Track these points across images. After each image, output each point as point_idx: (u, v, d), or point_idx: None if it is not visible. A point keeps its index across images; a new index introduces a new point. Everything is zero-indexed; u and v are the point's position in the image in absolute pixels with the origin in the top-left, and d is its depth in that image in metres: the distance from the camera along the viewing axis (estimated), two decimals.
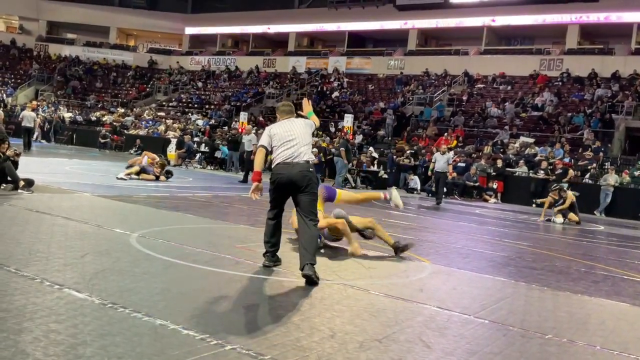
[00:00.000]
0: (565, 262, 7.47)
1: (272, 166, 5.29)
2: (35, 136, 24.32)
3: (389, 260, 6.27)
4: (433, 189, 18.39)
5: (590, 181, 18.82)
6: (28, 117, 20.53)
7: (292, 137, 5.28)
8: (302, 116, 5.79)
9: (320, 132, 25.70)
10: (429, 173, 15.80)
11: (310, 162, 5.29)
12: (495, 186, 19.35)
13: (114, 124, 29.53)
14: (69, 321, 3.21)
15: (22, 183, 8.56)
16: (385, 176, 20.70)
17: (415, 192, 19.41)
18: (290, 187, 5.13)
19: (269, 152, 5.33)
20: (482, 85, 29.56)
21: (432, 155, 16.45)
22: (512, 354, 3.49)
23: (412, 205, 14.79)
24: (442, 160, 15.23)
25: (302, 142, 5.27)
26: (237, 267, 5.13)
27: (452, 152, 16.16)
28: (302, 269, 4.74)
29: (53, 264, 4.47)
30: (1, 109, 26.09)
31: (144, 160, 13.46)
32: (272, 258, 5.25)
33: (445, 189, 19.17)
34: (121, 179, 12.46)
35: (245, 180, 15.44)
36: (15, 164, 8.79)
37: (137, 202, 9.12)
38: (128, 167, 13.38)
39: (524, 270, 6.59)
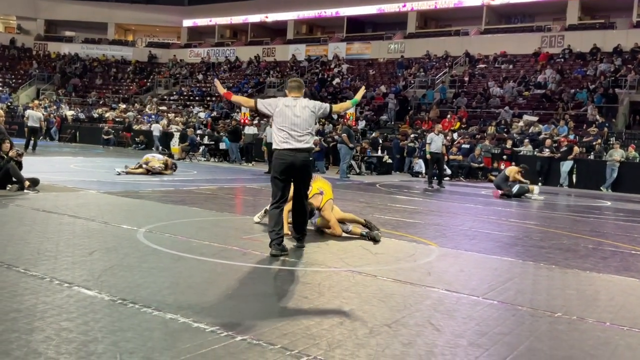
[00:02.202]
0: (573, 240, 7.46)
1: (275, 149, 5.42)
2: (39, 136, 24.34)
3: (396, 246, 6.27)
4: (425, 171, 18.34)
5: (597, 157, 18.71)
6: (34, 117, 20.47)
7: (298, 122, 5.41)
8: (314, 98, 5.96)
9: (323, 120, 25.67)
10: (427, 156, 15.69)
11: (311, 150, 5.43)
12: (503, 167, 19.22)
13: (125, 120, 29.34)
14: (80, 319, 3.23)
15: (27, 183, 8.59)
16: (390, 161, 20.67)
17: (420, 175, 19.38)
18: (293, 174, 5.42)
19: (255, 110, 5.70)
20: (483, 66, 29.38)
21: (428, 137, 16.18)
22: (522, 334, 3.50)
23: (417, 189, 14.77)
24: (439, 141, 15.09)
25: (307, 128, 5.43)
26: (244, 258, 5.14)
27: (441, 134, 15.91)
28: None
29: (62, 262, 4.49)
30: (1, 109, 26.09)
31: (154, 163, 13.50)
32: (279, 247, 5.27)
33: (450, 171, 19.14)
34: (119, 173, 12.55)
35: (269, 172, 15.55)
36: (19, 165, 8.81)
37: (143, 197, 9.14)
38: (137, 165, 13.40)
39: (531, 249, 6.59)
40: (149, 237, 5.73)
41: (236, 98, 5.92)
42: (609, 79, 23.72)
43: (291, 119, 5.42)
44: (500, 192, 13.42)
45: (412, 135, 21.85)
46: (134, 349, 2.85)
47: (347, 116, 22.77)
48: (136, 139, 26.47)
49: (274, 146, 5.49)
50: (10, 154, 8.63)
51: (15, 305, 3.40)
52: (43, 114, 30.30)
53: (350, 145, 16.89)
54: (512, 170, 13.68)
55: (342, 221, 6.62)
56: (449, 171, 19.33)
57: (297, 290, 4.16)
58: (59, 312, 3.33)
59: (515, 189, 13.28)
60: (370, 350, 3.04)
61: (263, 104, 5.57)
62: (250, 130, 22.17)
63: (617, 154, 17.61)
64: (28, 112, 21.54)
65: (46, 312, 3.31)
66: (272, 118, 5.55)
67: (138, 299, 3.66)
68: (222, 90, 5.99)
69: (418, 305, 3.99)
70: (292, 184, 5.52)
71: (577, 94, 23.53)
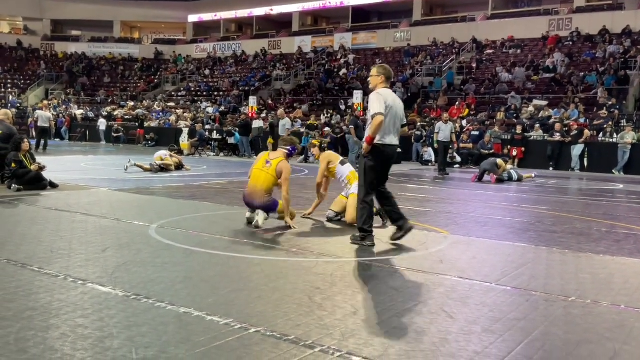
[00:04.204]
0: (586, 224, 7.41)
1: (379, 143, 5.34)
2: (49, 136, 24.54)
3: (408, 235, 6.25)
4: (434, 160, 18.32)
5: (608, 139, 18.53)
6: (43, 117, 20.61)
7: (400, 114, 5.51)
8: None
9: (331, 111, 25.63)
10: (435, 145, 15.63)
11: None
12: (515, 153, 19.10)
13: (138, 117, 29.55)
14: (95, 315, 3.26)
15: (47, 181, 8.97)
16: (399, 150, 20.62)
17: (430, 164, 19.31)
18: (389, 165, 5.64)
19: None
20: (491, 51, 29.16)
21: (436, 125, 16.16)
22: (536, 319, 3.48)
23: (427, 177, 14.73)
24: (447, 130, 15.05)
25: (402, 120, 5.58)
26: (256, 251, 5.16)
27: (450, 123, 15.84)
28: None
29: (75, 260, 4.53)
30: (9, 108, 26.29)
31: (161, 154, 13.53)
32: (373, 239, 5.45)
33: (460, 158, 19.06)
34: (127, 168, 12.60)
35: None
36: (40, 176, 9.00)
37: (154, 193, 9.19)
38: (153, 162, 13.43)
39: (544, 234, 6.56)
40: (161, 232, 5.76)
41: (373, 129, 5.30)
42: (618, 60, 23.46)
43: (397, 113, 5.45)
44: (495, 177, 13.44)
45: (419, 124, 21.76)
46: (150, 343, 2.87)
47: (355, 107, 22.71)
48: (147, 135, 26.58)
49: (378, 140, 5.32)
50: (33, 167, 8.79)
51: (31, 303, 3.44)
52: (52, 114, 30.64)
53: (356, 138, 16.88)
54: (502, 163, 13.76)
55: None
56: (459, 159, 19.23)
57: (309, 281, 4.17)
58: (74, 309, 3.36)
59: (514, 175, 13.72)
60: (384, 339, 3.04)
61: (384, 108, 5.29)
62: (257, 123, 22.20)
63: (628, 136, 17.44)
64: (37, 112, 21.71)
65: (61, 309, 3.34)
66: (385, 109, 5.31)
67: (152, 294, 3.68)
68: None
69: (431, 293, 3.99)
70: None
71: (586, 76, 23.32)
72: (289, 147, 6.66)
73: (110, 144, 26.60)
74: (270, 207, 6.34)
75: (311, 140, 7.61)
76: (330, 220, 6.89)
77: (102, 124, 28.09)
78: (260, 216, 6.18)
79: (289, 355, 2.79)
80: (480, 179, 13.43)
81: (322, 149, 7.48)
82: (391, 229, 5.86)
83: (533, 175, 15.05)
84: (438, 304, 3.74)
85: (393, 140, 5.47)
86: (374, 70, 5.63)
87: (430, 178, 14.49)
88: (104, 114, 30.56)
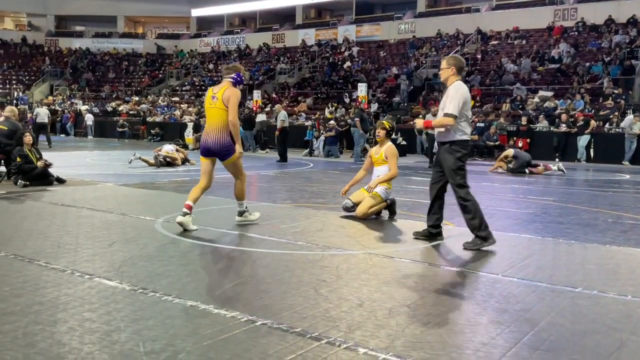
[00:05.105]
0: (592, 214, 7.39)
1: (467, 137, 5.18)
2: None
3: (413, 227, 6.25)
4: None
5: (615, 129, 18.40)
6: (41, 114, 20.76)
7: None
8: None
9: (336, 104, 25.58)
10: (424, 136, 15.57)
11: None
12: (520, 145, 18.98)
13: (131, 112, 29.72)
14: (102, 309, 3.28)
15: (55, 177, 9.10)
16: (404, 143, 20.55)
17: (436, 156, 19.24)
18: None
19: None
20: (496, 42, 28.98)
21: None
22: (543, 310, 3.48)
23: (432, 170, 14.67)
24: None
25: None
26: (262, 244, 5.17)
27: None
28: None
29: (82, 254, 4.55)
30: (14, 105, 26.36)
31: (167, 149, 13.55)
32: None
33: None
34: (131, 161, 12.63)
35: (283, 159, 15.78)
36: (47, 173, 9.03)
37: (159, 188, 9.21)
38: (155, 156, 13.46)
39: (550, 225, 6.54)
40: (167, 226, 5.77)
41: (438, 124, 5.23)
42: (624, 50, 23.28)
43: (469, 106, 5.27)
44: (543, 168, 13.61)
45: (420, 116, 21.67)
46: (157, 336, 2.88)
47: (360, 99, 22.66)
48: (152, 130, 26.62)
49: (464, 135, 5.15)
50: (39, 164, 8.82)
51: (38, 298, 3.46)
52: (58, 110, 30.79)
53: (361, 131, 16.84)
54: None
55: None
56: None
57: (315, 274, 4.17)
58: (81, 303, 3.37)
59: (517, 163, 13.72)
60: (390, 331, 3.05)
61: (457, 114, 5.07)
62: (260, 117, 22.18)
63: (636, 127, 17.31)
64: (37, 110, 21.96)
65: (68, 303, 3.36)
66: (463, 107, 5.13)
67: (159, 288, 3.69)
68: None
69: (437, 284, 3.99)
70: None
71: (592, 67, 23.16)
72: (233, 75, 5.99)
73: (115, 139, 26.65)
74: (225, 152, 5.83)
75: (381, 121, 7.00)
76: (346, 209, 6.83)
77: (89, 119, 28.65)
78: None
79: (296, 347, 2.80)
80: (524, 172, 13.46)
81: (389, 135, 6.93)
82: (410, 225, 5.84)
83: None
84: (443, 295, 3.74)
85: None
86: (443, 63, 5.35)
87: None
88: (92, 109, 30.94)
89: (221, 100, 5.77)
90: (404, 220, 6.53)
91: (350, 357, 2.71)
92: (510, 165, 13.76)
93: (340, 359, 2.68)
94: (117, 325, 3.02)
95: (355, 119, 17.28)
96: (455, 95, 5.09)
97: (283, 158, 15.93)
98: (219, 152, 5.83)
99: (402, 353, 2.76)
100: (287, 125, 16.90)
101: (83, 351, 2.69)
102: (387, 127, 6.88)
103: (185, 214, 5.58)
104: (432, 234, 5.44)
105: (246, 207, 6.16)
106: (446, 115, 5.09)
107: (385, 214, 6.78)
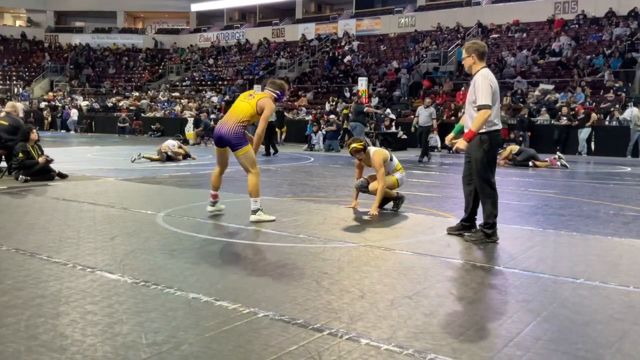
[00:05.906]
0: (594, 206, 7.38)
1: (492, 130, 4.93)
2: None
3: (415, 219, 6.26)
4: (439, 146, 18.35)
5: (616, 122, 18.36)
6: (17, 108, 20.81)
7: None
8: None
9: (336, 98, 25.54)
10: (412, 129, 15.52)
11: None
12: (521, 138, 18.92)
13: (131, 108, 29.74)
14: (104, 301, 3.28)
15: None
16: (405, 137, 20.53)
17: (435, 149, 19.23)
18: None
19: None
20: (496, 35, 28.90)
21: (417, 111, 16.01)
22: (545, 300, 3.48)
23: (433, 162, 14.69)
24: (424, 114, 14.92)
25: None
26: (263, 237, 5.17)
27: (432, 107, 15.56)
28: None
29: (84, 248, 4.55)
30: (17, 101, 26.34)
31: (169, 145, 13.54)
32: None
33: (439, 144, 18.97)
34: (134, 159, 12.60)
35: (269, 153, 15.72)
36: (48, 168, 9.03)
37: (161, 182, 9.21)
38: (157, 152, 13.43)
39: (551, 217, 6.54)
40: (168, 220, 5.78)
41: (478, 125, 4.86)
42: (625, 43, 23.22)
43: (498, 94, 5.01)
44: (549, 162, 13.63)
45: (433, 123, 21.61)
46: (159, 328, 2.89)
47: (360, 94, 22.61)
48: (152, 126, 26.59)
49: (494, 127, 4.94)
50: (40, 160, 8.84)
51: (40, 291, 3.46)
52: (58, 106, 30.78)
53: (364, 123, 16.83)
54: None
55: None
56: (437, 143, 18.98)
57: (317, 266, 4.18)
58: (83, 296, 3.38)
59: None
60: (392, 322, 3.05)
61: (491, 103, 4.84)
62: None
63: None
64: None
65: (71, 296, 3.36)
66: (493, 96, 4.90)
67: (160, 280, 3.70)
68: (462, 145, 5.03)
69: (438, 276, 3.99)
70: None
71: (593, 60, 23.10)
72: (277, 91, 6.09)
73: (115, 135, 26.63)
74: (236, 142, 5.78)
75: (352, 145, 6.58)
76: (359, 187, 6.73)
77: (74, 114, 28.90)
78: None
79: (298, 338, 2.80)
80: (528, 165, 13.44)
81: (364, 149, 6.57)
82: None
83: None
84: (445, 287, 3.74)
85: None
86: (463, 52, 5.09)
87: (437, 164, 14.45)
88: (76, 104, 31.17)
89: (256, 102, 5.88)
90: (406, 213, 6.53)
91: (352, 348, 2.72)
92: (517, 157, 13.64)
93: (342, 350, 2.69)
94: (120, 318, 3.02)
95: (366, 108, 17.39)
96: (483, 84, 4.83)
97: (268, 152, 15.88)
98: (229, 140, 5.84)
99: (404, 343, 2.77)
100: (273, 119, 16.79)
101: (85, 343, 2.70)
102: (361, 146, 6.53)
103: (214, 203, 6.16)
104: (465, 227, 5.30)
105: (260, 206, 5.89)
106: (480, 108, 4.80)
107: (389, 206, 6.78)
